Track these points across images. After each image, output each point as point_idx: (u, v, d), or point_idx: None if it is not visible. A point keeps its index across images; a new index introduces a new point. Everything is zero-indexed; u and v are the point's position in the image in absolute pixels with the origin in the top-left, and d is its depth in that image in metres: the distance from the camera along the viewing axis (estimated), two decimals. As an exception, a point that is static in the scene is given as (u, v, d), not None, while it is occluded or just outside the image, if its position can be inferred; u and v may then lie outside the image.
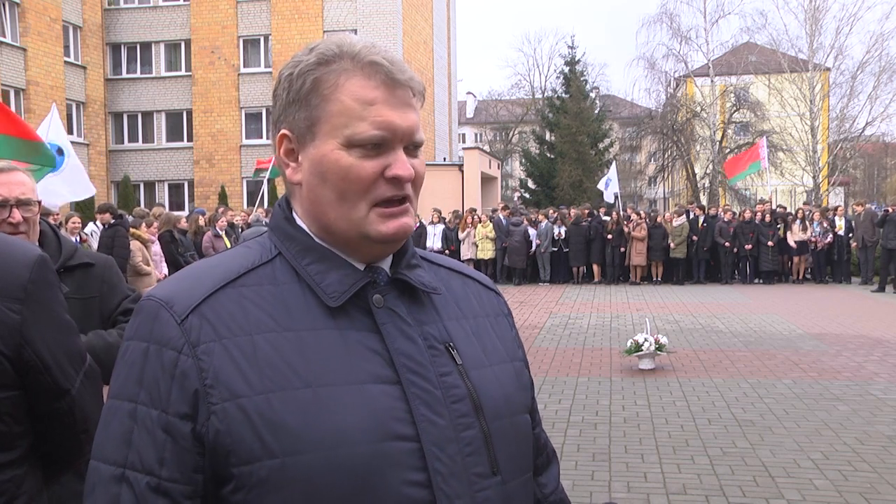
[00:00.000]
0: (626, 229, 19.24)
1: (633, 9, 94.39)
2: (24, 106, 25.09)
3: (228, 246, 12.43)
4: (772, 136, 31.29)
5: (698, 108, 34.75)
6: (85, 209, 16.47)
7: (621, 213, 20.61)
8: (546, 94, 47.21)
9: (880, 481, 4.90)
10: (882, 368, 8.43)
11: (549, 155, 36.23)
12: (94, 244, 10.62)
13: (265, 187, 21.13)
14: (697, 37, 39.52)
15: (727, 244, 18.92)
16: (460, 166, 28.20)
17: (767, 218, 18.96)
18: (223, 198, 27.00)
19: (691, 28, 48.40)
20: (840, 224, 18.76)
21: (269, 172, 18.34)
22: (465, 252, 19.57)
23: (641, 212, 21.58)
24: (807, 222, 18.57)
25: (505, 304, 1.26)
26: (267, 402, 0.95)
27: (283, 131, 1.07)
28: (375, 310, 1.05)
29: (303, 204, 1.08)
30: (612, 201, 22.65)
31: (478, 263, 19.49)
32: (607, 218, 19.98)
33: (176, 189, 31.26)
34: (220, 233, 12.82)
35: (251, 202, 25.66)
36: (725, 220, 19.29)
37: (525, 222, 19.88)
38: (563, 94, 36.48)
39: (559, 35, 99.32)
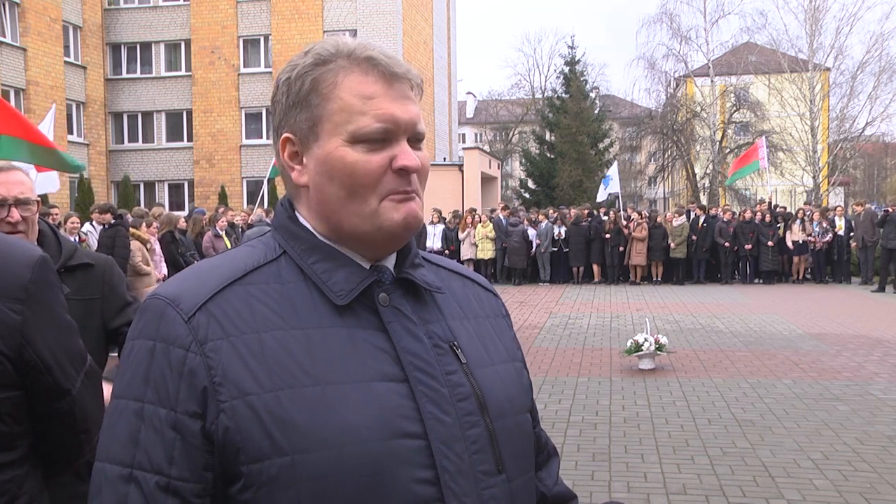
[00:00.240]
0: (624, 231, 19.25)
1: (633, 9, 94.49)
2: (24, 106, 25.08)
3: (229, 246, 12.44)
4: (772, 136, 31.30)
5: (698, 108, 34.76)
6: (84, 209, 16.47)
7: (621, 212, 20.61)
8: (546, 94, 47.23)
9: (880, 481, 4.90)
10: (882, 368, 8.43)
11: (549, 155, 36.22)
12: (91, 244, 10.63)
13: (265, 187, 21.13)
14: (697, 37, 39.59)
15: (727, 244, 18.92)
16: (460, 166, 28.20)
17: (767, 218, 18.97)
18: (223, 198, 26.98)
19: (691, 28, 48.51)
20: (840, 224, 18.76)
21: (269, 172, 18.34)
22: (465, 252, 19.57)
23: (643, 211, 21.60)
24: (806, 222, 18.57)
25: (503, 305, 1.27)
26: (276, 399, 0.95)
27: (286, 135, 1.08)
28: (381, 308, 1.05)
29: (310, 205, 1.08)
30: (602, 199, 22.65)
31: (478, 263, 19.50)
32: (607, 218, 20.00)
33: (176, 189, 31.26)
34: (221, 233, 12.82)
35: (251, 202, 25.67)
36: (725, 220, 19.29)
37: (525, 223, 19.89)
38: (563, 94, 36.47)
39: (559, 35, 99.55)
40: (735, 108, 35.35)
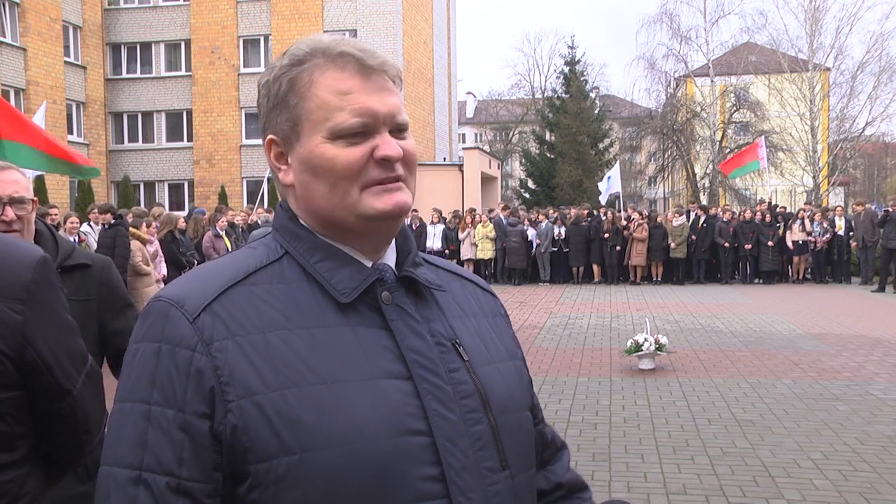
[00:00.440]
0: (623, 231, 19.25)
1: (633, 9, 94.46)
2: (24, 106, 25.05)
3: (229, 245, 12.44)
4: (772, 136, 31.31)
5: (698, 108, 34.76)
6: (84, 209, 16.46)
7: (621, 212, 20.60)
8: (546, 94, 47.23)
9: (880, 481, 4.90)
10: (882, 368, 8.43)
11: (549, 155, 36.24)
12: (90, 244, 10.62)
13: (265, 187, 21.11)
14: (697, 37, 39.60)
15: (727, 244, 18.92)
16: (460, 166, 28.20)
17: (767, 218, 18.97)
18: (223, 198, 26.98)
19: (691, 28, 48.52)
20: (840, 224, 18.76)
21: (269, 171, 18.32)
22: (465, 252, 19.57)
23: (643, 211, 21.60)
24: (806, 222, 18.56)
25: (501, 305, 1.28)
26: (283, 398, 0.96)
27: (270, 136, 1.09)
28: (384, 306, 1.06)
29: (299, 204, 1.09)
30: (605, 200, 22.65)
31: (478, 263, 19.50)
32: (605, 218, 19.99)
33: (176, 189, 31.25)
34: (221, 233, 12.81)
35: (251, 202, 25.65)
36: (725, 220, 19.29)
37: (526, 222, 19.89)
38: (563, 94, 36.50)
39: (559, 35, 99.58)
40: (735, 108, 35.35)
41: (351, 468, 0.95)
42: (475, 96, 64.26)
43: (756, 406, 6.84)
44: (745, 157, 22.19)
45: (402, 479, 0.97)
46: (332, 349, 1.00)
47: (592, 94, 38.78)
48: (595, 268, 19.69)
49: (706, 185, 34.90)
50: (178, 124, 31.12)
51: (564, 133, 34.19)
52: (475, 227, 19.63)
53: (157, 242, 10.77)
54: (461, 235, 19.80)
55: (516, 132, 52.26)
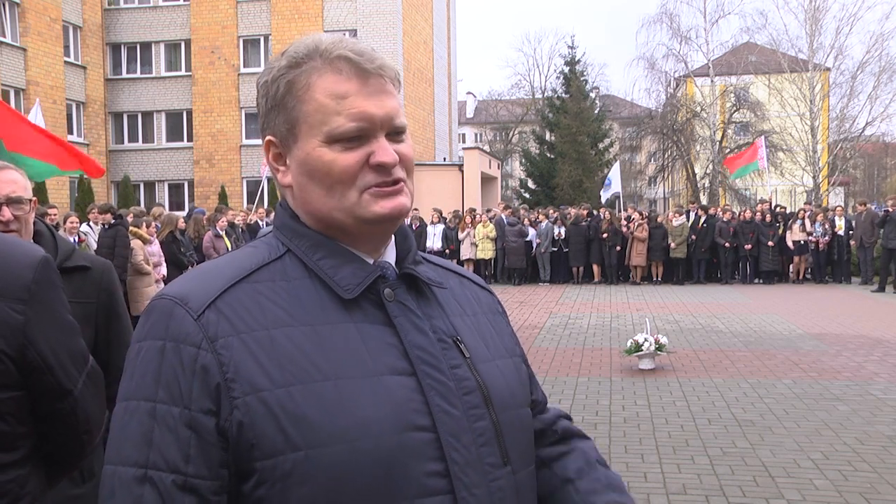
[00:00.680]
0: (624, 230, 19.25)
1: (633, 9, 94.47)
2: (24, 106, 25.04)
3: (229, 246, 12.44)
4: (772, 136, 31.30)
5: (698, 108, 34.76)
6: (83, 209, 16.46)
7: (621, 212, 20.59)
8: (546, 94, 47.23)
9: (880, 481, 4.90)
10: (882, 368, 8.43)
11: (549, 155, 36.23)
12: (90, 244, 10.62)
13: (266, 186, 21.10)
14: (697, 37, 39.67)
15: (727, 244, 18.92)
16: (460, 166, 28.21)
17: (767, 218, 18.97)
18: (223, 198, 26.98)
19: (691, 28, 48.61)
20: (840, 224, 18.77)
21: (268, 170, 18.31)
22: (465, 252, 19.57)
23: (643, 211, 21.59)
24: (807, 221, 18.56)
25: (499, 302, 1.29)
26: (288, 395, 0.96)
27: (268, 138, 1.10)
28: (387, 303, 1.06)
29: (297, 205, 1.10)
30: (606, 200, 22.65)
31: (478, 263, 19.50)
32: (604, 218, 19.98)
33: (176, 189, 31.25)
34: (221, 233, 12.81)
35: (251, 202, 25.66)
36: (725, 220, 19.29)
37: (526, 222, 19.89)
38: (563, 94, 36.49)
39: (559, 35, 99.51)
40: (735, 108, 35.35)
41: (356, 464, 0.96)
42: (475, 96, 64.27)
43: (756, 406, 6.84)
44: (746, 158, 22.19)
45: (407, 475, 0.98)
46: (337, 346, 1.01)
47: (592, 94, 38.77)
48: (595, 268, 19.69)
49: (706, 185, 34.90)
50: (178, 124, 31.12)
51: (564, 133, 34.18)
52: (475, 227, 19.64)
53: (157, 242, 10.77)
54: (461, 235, 19.79)
55: (516, 132, 52.26)
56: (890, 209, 16.73)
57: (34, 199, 2.23)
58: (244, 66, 30.38)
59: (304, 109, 1.05)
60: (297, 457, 0.94)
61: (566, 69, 37.24)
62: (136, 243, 9.81)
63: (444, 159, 33.82)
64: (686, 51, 35.47)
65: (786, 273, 19.23)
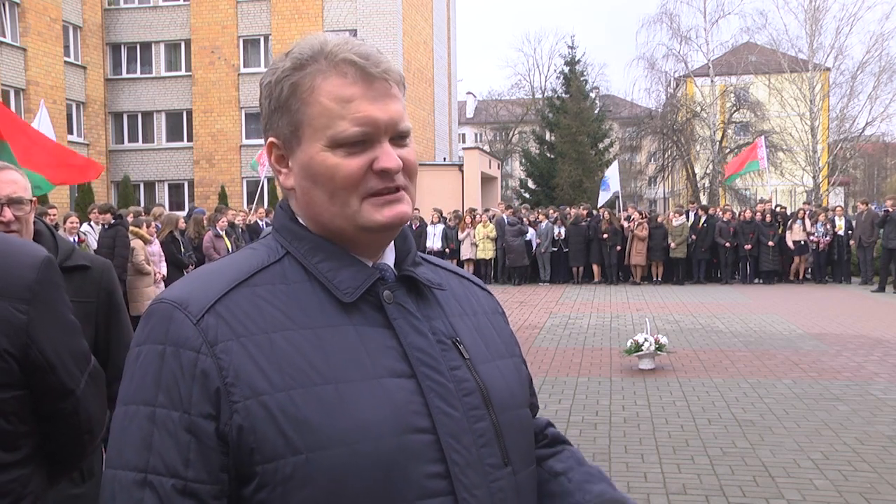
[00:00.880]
0: (624, 227, 19.24)
1: (633, 9, 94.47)
2: (24, 106, 25.08)
3: (229, 246, 12.43)
4: (772, 136, 31.29)
5: (698, 108, 34.75)
6: (84, 209, 16.46)
7: (621, 212, 20.59)
8: (546, 94, 47.23)
9: (880, 481, 4.90)
10: (882, 368, 8.43)
11: (549, 155, 36.25)
12: (90, 243, 10.62)
13: (265, 187, 21.09)
14: (697, 37, 39.66)
15: (727, 244, 18.92)
16: (460, 166, 28.20)
17: (768, 218, 18.97)
18: (223, 198, 26.99)
19: (691, 28, 48.62)
20: (840, 224, 18.77)
21: (266, 169, 18.31)
22: (465, 252, 19.57)
23: (643, 211, 21.58)
24: (807, 221, 18.56)
25: (498, 303, 1.29)
26: (289, 398, 0.96)
27: (271, 139, 1.09)
28: (386, 305, 1.06)
29: (299, 207, 1.10)
30: (603, 202, 22.63)
31: (478, 263, 19.50)
32: (603, 218, 19.97)
33: (176, 189, 31.26)
34: (221, 233, 12.81)
35: (251, 202, 25.66)
36: (725, 220, 19.29)
37: (526, 222, 19.88)
38: (563, 94, 36.51)
39: (559, 35, 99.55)
40: (735, 108, 35.35)
41: (357, 467, 0.96)
42: (475, 96, 64.25)
43: (756, 406, 6.84)
44: (745, 160, 22.18)
45: (408, 477, 0.98)
46: (337, 349, 1.01)
47: (592, 94, 38.79)
48: (595, 268, 19.69)
49: (706, 185, 34.90)
50: (178, 124, 31.13)
51: (564, 133, 34.19)
52: (475, 227, 19.64)
53: (157, 242, 10.77)
54: (461, 235, 19.79)
55: (516, 132, 52.25)
56: (890, 209, 16.73)
57: (34, 199, 2.24)
58: (244, 66, 30.39)
59: (309, 112, 1.04)
60: (297, 460, 0.94)
61: (566, 69, 37.26)
62: (137, 243, 9.82)
63: (444, 159, 33.82)
64: (686, 51, 35.51)
65: (786, 273, 19.23)
